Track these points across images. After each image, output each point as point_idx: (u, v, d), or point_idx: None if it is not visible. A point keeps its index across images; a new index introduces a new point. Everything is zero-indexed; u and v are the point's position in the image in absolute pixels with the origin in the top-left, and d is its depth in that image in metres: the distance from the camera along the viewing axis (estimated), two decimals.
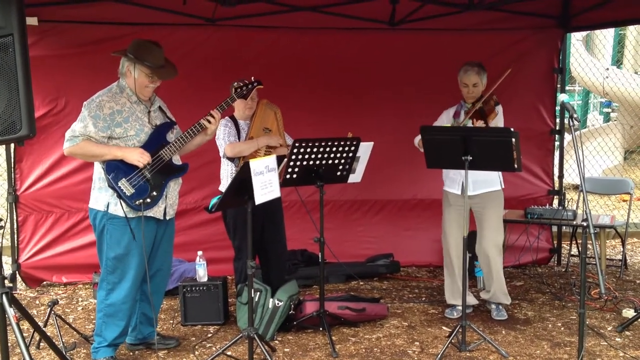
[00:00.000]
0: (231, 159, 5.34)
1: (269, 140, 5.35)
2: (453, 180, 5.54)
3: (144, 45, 4.49)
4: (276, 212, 5.54)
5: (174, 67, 4.63)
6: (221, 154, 5.41)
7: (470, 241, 5.58)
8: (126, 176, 4.36)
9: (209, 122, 4.60)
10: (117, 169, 4.35)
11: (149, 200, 4.44)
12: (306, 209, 5.74)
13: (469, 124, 5.29)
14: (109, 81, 4.56)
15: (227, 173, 5.42)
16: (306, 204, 5.91)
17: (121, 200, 4.35)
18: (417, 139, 5.35)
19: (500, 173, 5.49)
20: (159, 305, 5.00)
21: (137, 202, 4.37)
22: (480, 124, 5.23)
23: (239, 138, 5.37)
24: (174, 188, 4.66)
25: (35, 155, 6.52)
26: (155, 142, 4.51)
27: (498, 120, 5.33)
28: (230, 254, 5.65)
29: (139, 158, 4.35)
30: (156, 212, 4.53)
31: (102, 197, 4.44)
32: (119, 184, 4.34)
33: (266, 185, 4.27)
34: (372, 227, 7.37)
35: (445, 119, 5.54)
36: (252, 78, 5.01)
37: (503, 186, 5.54)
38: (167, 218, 4.65)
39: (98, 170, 4.47)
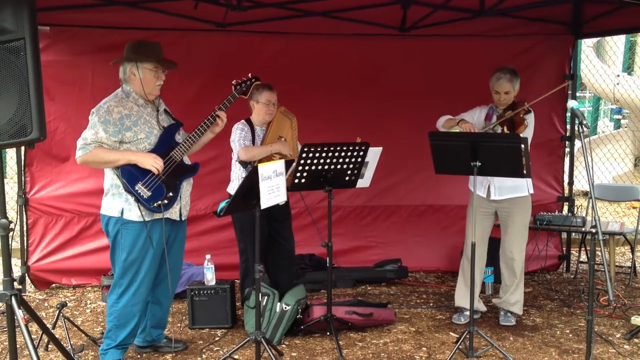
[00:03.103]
0: (243, 164, 5.34)
1: (282, 148, 5.34)
2: (480, 182, 5.43)
3: (140, 43, 4.52)
4: (285, 216, 5.56)
5: (171, 60, 4.64)
6: (234, 157, 5.42)
7: (490, 247, 5.62)
8: (142, 179, 4.37)
9: (219, 119, 4.63)
10: (131, 173, 4.36)
11: (166, 201, 4.45)
12: (312, 217, 5.72)
13: (499, 130, 5.26)
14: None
15: (237, 176, 5.43)
16: (317, 209, 5.90)
17: (139, 204, 4.36)
18: (442, 121, 5.36)
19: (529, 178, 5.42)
20: (168, 307, 5.02)
21: (155, 204, 4.39)
22: None
23: (253, 144, 5.38)
24: (186, 188, 4.67)
25: (46, 159, 6.55)
26: (165, 144, 4.53)
27: (527, 131, 5.24)
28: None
29: (153, 163, 4.35)
30: (172, 213, 4.55)
31: (115, 204, 4.44)
32: (136, 188, 4.35)
33: (273, 189, 4.28)
34: (381, 233, 7.37)
35: (477, 115, 5.46)
36: (250, 75, 4.92)
37: (532, 191, 5.46)
38: (182, 219, 4.67)
39: (110, 177, 4.47)
